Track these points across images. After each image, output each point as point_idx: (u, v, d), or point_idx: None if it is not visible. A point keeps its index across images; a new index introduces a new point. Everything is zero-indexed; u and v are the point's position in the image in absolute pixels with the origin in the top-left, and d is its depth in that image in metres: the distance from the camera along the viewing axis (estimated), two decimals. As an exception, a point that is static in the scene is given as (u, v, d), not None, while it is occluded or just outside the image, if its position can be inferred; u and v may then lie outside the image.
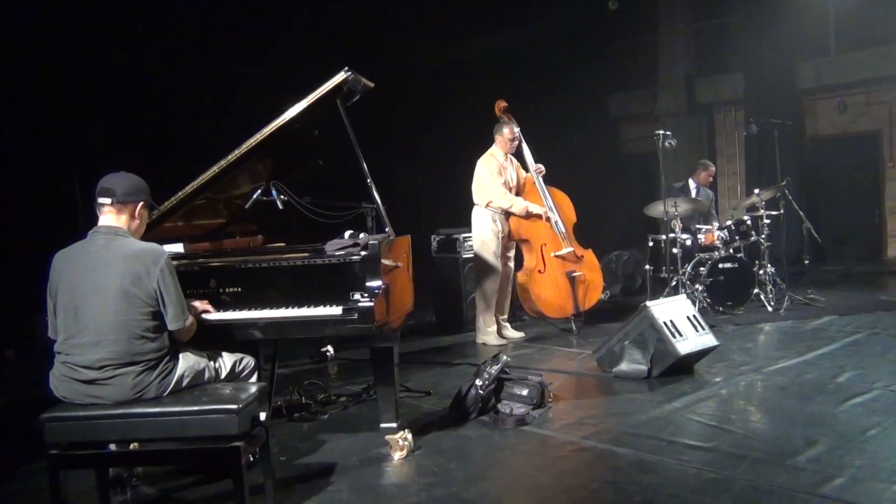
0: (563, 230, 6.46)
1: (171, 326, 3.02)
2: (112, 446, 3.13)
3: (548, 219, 6.40)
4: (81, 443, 2.94)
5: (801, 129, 10.91)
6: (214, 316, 3.50)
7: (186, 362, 3.09)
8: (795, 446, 3.56)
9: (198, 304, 3.47)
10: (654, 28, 12.06)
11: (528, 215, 6.35)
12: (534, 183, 6.48)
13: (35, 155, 7.30)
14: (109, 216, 3.06)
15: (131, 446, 3.18)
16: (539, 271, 6.42)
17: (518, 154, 6.54)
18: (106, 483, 3.21)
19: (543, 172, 6.53)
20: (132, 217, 3.10)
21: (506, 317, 6.68)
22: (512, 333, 6.61)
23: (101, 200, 3.06)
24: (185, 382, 3.06)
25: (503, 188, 6.29)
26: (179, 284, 3.05)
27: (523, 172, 6.59)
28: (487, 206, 6.32)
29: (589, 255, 6.62)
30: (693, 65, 11.98)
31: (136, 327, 2.92)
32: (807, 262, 8.11)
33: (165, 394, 2.99)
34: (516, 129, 6.39)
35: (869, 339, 5.81)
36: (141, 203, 3.12)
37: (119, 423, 2.89)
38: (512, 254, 6.58)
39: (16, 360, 6.77)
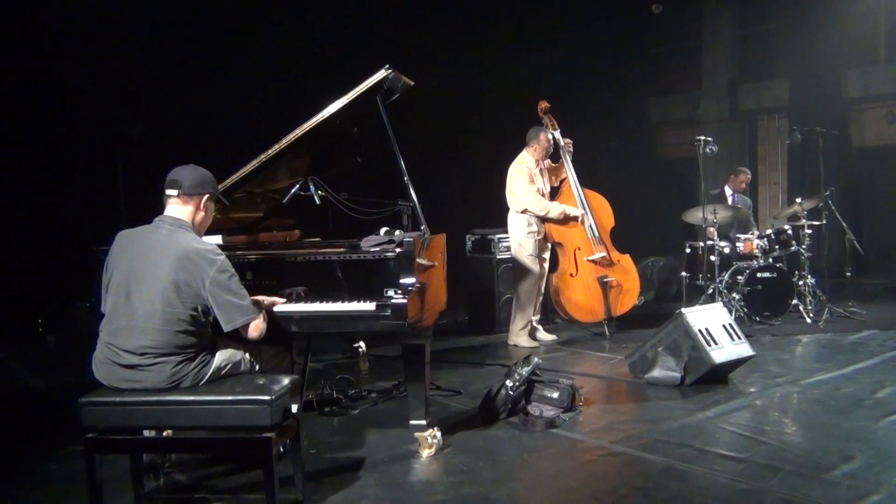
0: (597, 234, 6.41)
1: (225, 328, 3.03)
2: (147, 433, 3.20)
3: (583, 221, 6.37)
4: (118, 427, 3.00)
5: (847, 138, 10.65)
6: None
7: (224, 354, 3.14)
8: (831, 461, 3.50)
9: (264, 299, 3.39)
10: (697, 33, 11.89)
11: (566, 218, 6.32)
12: (570, 186, 6.45)
13: (80, 148, 7.47)
14: (175, 207, 3.12)
15: (165, 433, 3.25)
16: (571, 275, 6.40)
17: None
18: (140, 468, 3.28)
19: (572, 151, 6.46)
20: (197, 209, 3.15)
21: (538, 318, 6.66)
22: (544, 336, 6.58)
23: (168, 192, 3.12)
24: (221, 373, 3.11)
25: (537, 195, 6.26)
26: (240, 285, 3.05)
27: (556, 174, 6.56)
28: (523, 212, 6.30)
29: (626, 260, 6.56)
30: (736, 70, 11.79)
31: (182, 321, 2.97)
32: (848, 274, 7.90)
33: (201, 383, 3.04)
34: (550, 136, 6.36)
35: (911, 354, 5.67)
36: (206, 196, 3.17)
37: (155, 409, 2.95)
38: (547, 255, 6.55)
39: (57, 346, 6.94)
